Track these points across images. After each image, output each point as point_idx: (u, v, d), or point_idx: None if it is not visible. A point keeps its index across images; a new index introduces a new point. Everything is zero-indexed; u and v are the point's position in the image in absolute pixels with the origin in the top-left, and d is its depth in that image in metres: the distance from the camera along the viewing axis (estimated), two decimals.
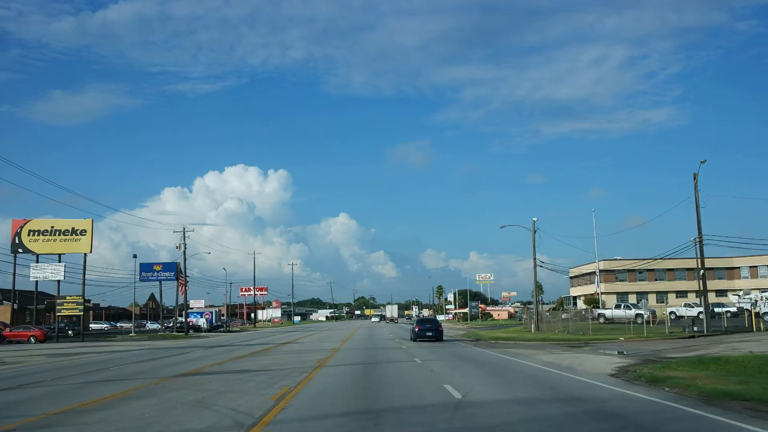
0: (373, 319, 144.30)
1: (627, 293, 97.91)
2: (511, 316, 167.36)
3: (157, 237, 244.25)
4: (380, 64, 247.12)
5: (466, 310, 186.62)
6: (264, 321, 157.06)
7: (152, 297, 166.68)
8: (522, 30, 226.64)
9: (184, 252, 70.33)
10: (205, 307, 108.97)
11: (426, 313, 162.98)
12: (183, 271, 73.33)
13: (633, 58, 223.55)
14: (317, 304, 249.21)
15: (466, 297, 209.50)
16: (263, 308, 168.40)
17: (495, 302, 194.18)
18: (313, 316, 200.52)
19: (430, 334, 41.37)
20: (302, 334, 61.86)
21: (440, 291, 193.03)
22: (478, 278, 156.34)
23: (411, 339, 42.17)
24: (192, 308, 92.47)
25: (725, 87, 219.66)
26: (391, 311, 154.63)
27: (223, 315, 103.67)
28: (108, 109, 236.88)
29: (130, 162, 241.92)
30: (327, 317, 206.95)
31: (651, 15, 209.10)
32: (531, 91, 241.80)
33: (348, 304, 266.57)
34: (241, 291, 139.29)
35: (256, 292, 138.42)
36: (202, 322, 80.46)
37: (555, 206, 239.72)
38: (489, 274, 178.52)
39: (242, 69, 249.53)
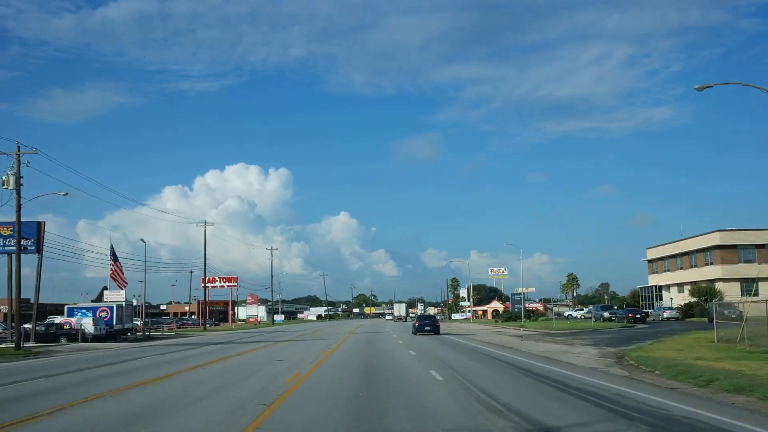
0: (387, 317, 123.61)
1: (755, 279, 63.95)
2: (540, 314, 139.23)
3: (157, 235, 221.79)
4: (381, 62, 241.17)
5: (486, 307, 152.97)
6: (236, 321, 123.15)
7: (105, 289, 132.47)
8: (523, 29, 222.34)
9: (18, 191, 35.94)
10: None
11: (432, 311, 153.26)
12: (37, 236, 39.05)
13: (634, 56, 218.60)
14: (313, 301, 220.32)
15: (481, 293, 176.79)
16: (227, 304, 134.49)
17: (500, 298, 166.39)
18: (302, 315, 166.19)
19: (428, 328, 47.58)
20: (232, 352, 28.16)
21: (455, 284, 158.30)
22: (490, 273, 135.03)
23: (412, 333, 48.46)
24: (107, 300, 57.62)
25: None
26: (399, 309, 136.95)
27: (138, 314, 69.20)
28: (108, 107, 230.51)
29: (131, 160, 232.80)
30: (320, 316, 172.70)
31: (652, 13, 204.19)
32: (532, 89, 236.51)
33: (347, 302, 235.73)
34: (203, 282, 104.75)
35: (219, 283, 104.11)
36: (86, 323, 45.94)
37: (556, 205, 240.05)
38: (503, 269, 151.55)
39: (243, 67, 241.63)
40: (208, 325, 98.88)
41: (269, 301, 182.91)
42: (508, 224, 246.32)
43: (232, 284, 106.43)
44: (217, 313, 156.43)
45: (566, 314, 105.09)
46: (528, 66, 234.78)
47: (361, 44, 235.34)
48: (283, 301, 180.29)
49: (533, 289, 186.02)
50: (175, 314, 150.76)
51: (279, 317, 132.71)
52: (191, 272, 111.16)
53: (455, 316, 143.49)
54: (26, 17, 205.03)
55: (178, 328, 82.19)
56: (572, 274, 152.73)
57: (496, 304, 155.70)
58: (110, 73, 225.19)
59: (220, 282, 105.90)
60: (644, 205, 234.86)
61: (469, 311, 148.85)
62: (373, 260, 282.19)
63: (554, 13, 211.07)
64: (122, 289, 59.97)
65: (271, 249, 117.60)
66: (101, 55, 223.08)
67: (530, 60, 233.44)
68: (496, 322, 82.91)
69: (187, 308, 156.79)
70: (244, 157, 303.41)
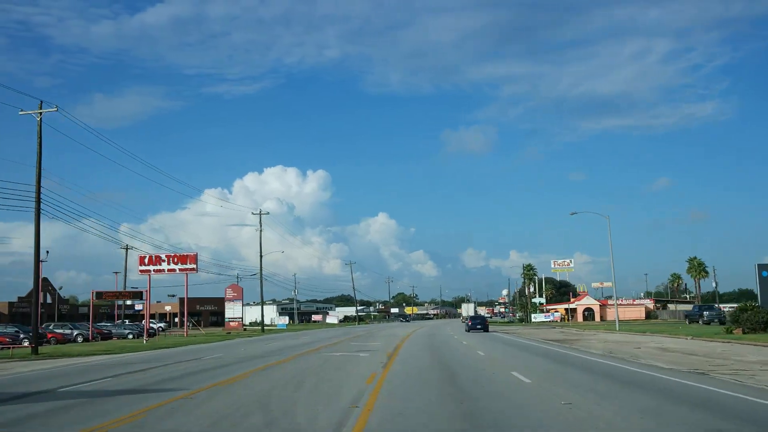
0: (464, 314, 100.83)
1: None
2: (648, 315, 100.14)
3: (197, 238, 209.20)
4: (417, 61, 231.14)
5: (575, 304, 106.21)
6: (230, 324, 79.39)
7: (46, 282, 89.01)
8: (560, 24, 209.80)
9: None
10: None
11: (482, 311, 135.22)
12: None
13: (676, 50, 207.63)
14: (347, 301, 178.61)
15: (550, 288, 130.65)
16: (219, 302, 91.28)
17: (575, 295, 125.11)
18: (318, 317, 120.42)
19: (479, 327, 50.72)
20: None
21: (530, 274, 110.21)
22: (553, 266, 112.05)
23: (465, 330, 50.81)
24: None
25: None
26: (468, 310, 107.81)
27: None
28: (147, 112, 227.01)
29: (170, 164, 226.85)
30: (347, 318, 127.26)
31: (695, 5, 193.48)
32: (571, 86, 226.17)
33: (385, 302, 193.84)
34: (141, 263, 60.16)
35: (165, 265, 60.21)
36: None
37: (597, 204, 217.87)
38: (568, 261, 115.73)
39: (278, 69, 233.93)
40: (139, 337, 53.23)
41: (282, 301, 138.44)
42: (548, 224, 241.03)
43: (187, 267, 61.14)
44: (208, 314, 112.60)
45: None
46: (566, 63, 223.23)
47: (396, 43, 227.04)
48: (301, 301, 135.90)
49: (610, 284, 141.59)
50: (152, 315, 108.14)
51: (282, 321, 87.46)
52: (126, 248, 66.57)
53: (537, 317, 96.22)
54: (67, 25, 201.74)
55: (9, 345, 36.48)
56: (696, 258, 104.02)
57: (589, 301, 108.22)
58: (148, 77, 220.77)
59: (167, 263, 61.18)
60: (696, 201, 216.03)
61: (554, 312, 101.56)
62: (412, 260, 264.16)
63: (592, 8, 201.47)
64: None
65: (260, 213, 72.35)
66: (139, 61, 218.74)
67: (568, 56, 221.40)
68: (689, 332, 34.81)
69: (168, 308, 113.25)
70: (282, 159, 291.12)
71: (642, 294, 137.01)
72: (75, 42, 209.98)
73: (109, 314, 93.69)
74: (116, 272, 76.58)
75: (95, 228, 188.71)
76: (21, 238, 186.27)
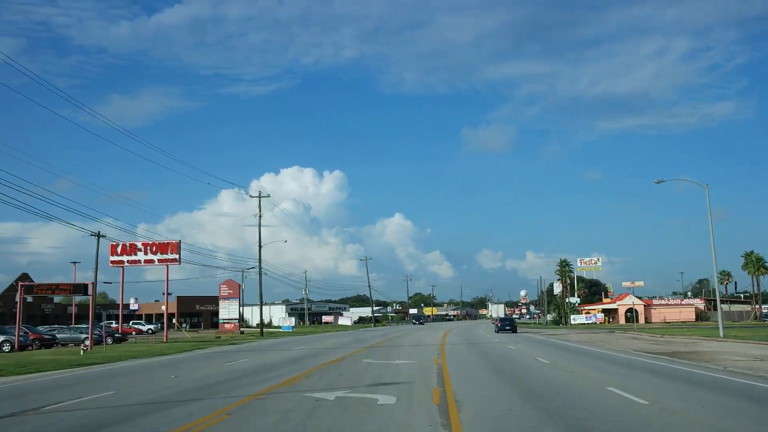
0: (494, 315, 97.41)
1: None
2: (699, 317, 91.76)
3: (214, 239, 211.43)
4: (433, 61, 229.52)
5: (617, 304, 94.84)
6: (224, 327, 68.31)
7: (25, 278, 78.47)
8: (578, 23, 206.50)
9: None
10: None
11: (507, 311, 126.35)
12: None
13: (695, 49, 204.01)
14: (363, 302, 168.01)
15: (580, 287, 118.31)
16: (213, 301, 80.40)
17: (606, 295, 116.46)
18: (329, 318, 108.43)
19: (508, 327, 52.35)
20: None
21: (565, 271, 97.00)
22: (580, 264, 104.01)
23: (495, 331, 52.15)
24: None
25: None
26: (497, 311, 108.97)
27: None
28: (163, 112, 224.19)
29: (185, 165, 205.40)
30: (361, 319, 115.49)
31: (713, 4, 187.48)
32: (588, 86, 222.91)
33: (402, 302, 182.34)
34: (113, 253, 49.65)
35: (142, 255, 49.47)
36: None
37: (611, 204, 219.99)
38: (596, 259, 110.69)
39: (295, 69, 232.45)
40: (99, 343, 41.51)
41: (294, 301, 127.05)
42: (565, 224, 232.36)
43: (168, 257, 49.97)
44: (209, 315, 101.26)
45: None
46: (584, 62, 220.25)
47: (412, 43, 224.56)
48: (315, 301, 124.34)
49: (641, 283, 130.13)
50: (148, 316, 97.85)
51: (288, 322, 75.95)
52: (99, 235, 55.21)
53: (576, 318, 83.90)
54: (86, 25, 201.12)
55: None
56: (754, 253, 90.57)
57: (632, 301, 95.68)
58: (165, 78, 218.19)
59: (144, 252, 50.44)
60: (714, 201, 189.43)
61: (595, 314, 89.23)
62: (428, 261, 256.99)
63: (610, 6, 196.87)
64: None
65: (259, 196, 60.74)
66: (156, 61, 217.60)
67: (586, 56, 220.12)
68: None
69: (163, 307, 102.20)
70: (299, 159, 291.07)
71: (688, 293, 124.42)
72: (94, 43, 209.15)
73: (114, 315, 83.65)
74: (74, 262, 65.98)
75: (112, 228, 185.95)
76: (37, 238, 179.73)
